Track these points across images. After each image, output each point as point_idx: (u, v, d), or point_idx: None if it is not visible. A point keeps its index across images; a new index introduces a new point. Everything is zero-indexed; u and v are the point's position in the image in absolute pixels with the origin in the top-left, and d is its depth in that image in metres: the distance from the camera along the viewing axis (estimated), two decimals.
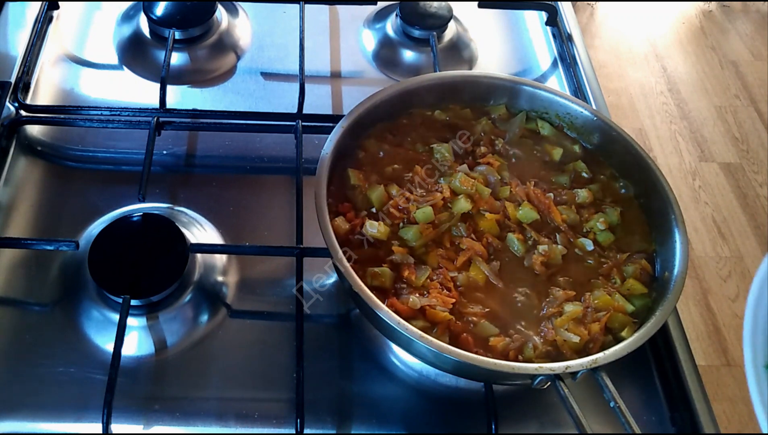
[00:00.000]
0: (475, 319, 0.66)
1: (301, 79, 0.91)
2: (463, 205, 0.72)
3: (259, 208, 0.83)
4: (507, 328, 0.66)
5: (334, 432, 0.68)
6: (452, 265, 0.69)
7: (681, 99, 2.57)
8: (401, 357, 0.72)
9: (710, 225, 2.20)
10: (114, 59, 0.98)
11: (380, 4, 1.05)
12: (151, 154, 0.82)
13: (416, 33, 1.00)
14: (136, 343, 0.71)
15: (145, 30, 0.99)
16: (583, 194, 0.76)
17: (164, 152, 0.88)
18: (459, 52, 1.03)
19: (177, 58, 0.96)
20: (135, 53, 0.98)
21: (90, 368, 0.69)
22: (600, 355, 0.60)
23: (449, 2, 1.03)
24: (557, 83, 1.01)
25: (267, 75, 0.98)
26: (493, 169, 0.76)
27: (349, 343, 0.73)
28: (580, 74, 0.99)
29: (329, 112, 0.94)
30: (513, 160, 0.79)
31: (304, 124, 0.87)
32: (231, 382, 0.70)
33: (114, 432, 0.65)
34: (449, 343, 0.61)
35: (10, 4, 0.99)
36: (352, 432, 0.68)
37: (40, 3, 1.00)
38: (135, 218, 0.76)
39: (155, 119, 0.85)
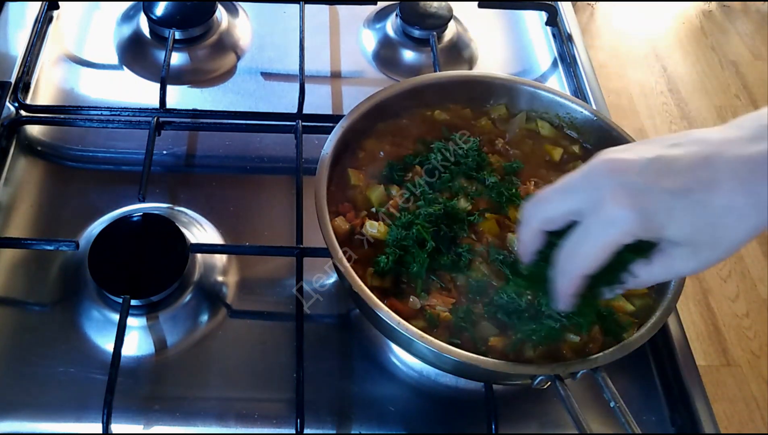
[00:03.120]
0: (475, 319, 0.66)
1: (301, 79, 0.91)
2: (463, 205, 0.72)
3: (259, 208, 0.83)
4: (507, 328, 0.66)
5: (334, 432, 0.68)
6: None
7: (681, 99, 2.57)
8: (401, 357, 0.72)
9: None
10: (114, 59, 0.98)
11: (380, 4, 1.05)
12: (151, 154, 0.82)
13: (416, 33, 1.00)
14: (136, 343, 0.71)
15: (145, 30, 0.99)
16: None
17: (164, 152, 0.88)
18: (459, 52, 1.03)
19: (177, 58, 0.97)
20: (135, 53, 0.98)
21: (90, 368, 0.69)
22: (600, 355, 0.60)
23: (449, 2, 1.03)
24: (557, 83, 1.01)
25: (267, 75, 0.98)
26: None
27: (349, 343, 0.73)
28: (580, 74, 0.99)
29: (329, 112, 0.94)
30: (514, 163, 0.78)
31: (304, 124, 0.87)
32: (231, 382, 0.70)
33: (114, 432, 0.65)
34: (449, 343, 0.61)
35: (10, 4, 0.99)
36: (352, 432, 0.68)
37: (40, 3, 1.00)
38: (135, 218, 0.76)
39: (155, 119, 0.85)
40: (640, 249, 0.50)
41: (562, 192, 0.52)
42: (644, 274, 0.52)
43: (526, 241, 0.55)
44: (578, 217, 0.50)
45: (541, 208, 0.53)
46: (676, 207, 0.46)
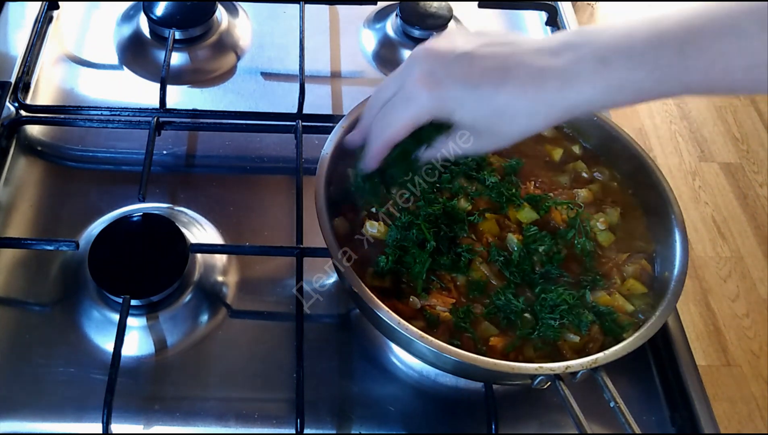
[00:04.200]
0: (475, 319, 0.66)
1: (301, 79, 0.91)
2: (463, 205, 0.72)
3: (259, 208, 0.83)
4: (507, 328, 0.66)
5: (334, 432, 0.68)
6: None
7: (681, 99, 2.57)
8: (401, 357, 0.72)
9: (710, 225, 2.20)
10: (114, 59, 0.98)
11: (380, 4, 1.05)
12: (151, 154, 0.82)
13: (416, 33, 1.00)
14: (136, 343, 0.71)
15: (145, 30, 0.99)
16: (583, 194, 0.76)
17: (164, 152, 0.88)
18: None
19: (177, 58, 0.97)
20: (135, 53, 0.98)
21: (90, 368, 0.69)
22: (600, 355, 0.60)
23: (449, 2, 1.03)
24: None
25: (267, 75, 0.98)
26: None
27: (349, 343, 0.73)
28: None
29: (329, 112, 0.94)
30: (513, 160, 0.78)
31: (304, 124, 0.87)
32: (231, 382, 0.70)
33: (114, 432, 0.65)
34: (449, 343, 0.61)
35: (10, 4, 0.99)
36: (352, 432, 0.68)
37: (40, 3, 1.00)
38: (135, 218, 0.76)
39: (155, 119, 0.85)
40: (440, 127, 0.59)
41: (390, 78, 0.59)
42: (441, 147, 0.60)
43: (363, 123, 0.64)
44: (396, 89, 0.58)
45: (376, 96, 0.61)
46: (466, 98, 0.54)
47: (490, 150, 0.58)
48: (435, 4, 1.02)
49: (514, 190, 0.74)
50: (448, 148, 0.59)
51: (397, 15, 1.02)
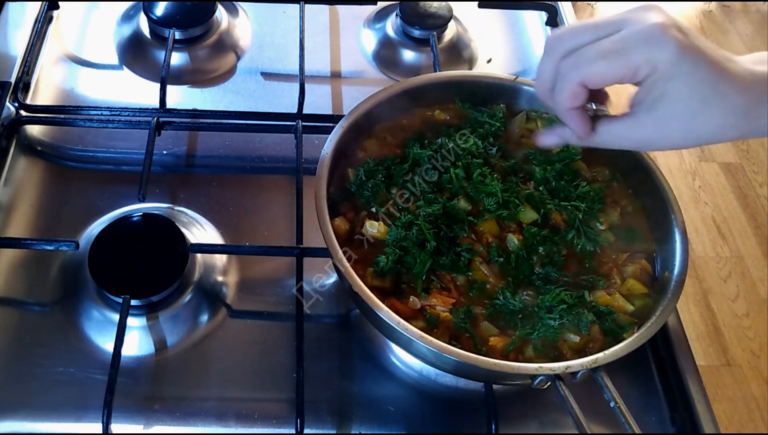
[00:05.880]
0: (475, 319, 0.66)
1: (301, 79, 0.91)
2: (463, 205, 0.72)
3: (259, 208, 0.83)
4: (507, 328, 0.66)
5: (334, 432, 0.68)
6: None
7: None
8: (401, 357, 0.72)
9: (710, 225, 2.20)
10: (114, 59, 0.98)
11: (380, 4, 1.05)
12: (151, 154, 0.82)
13: (416, 33, 1.00)
14: (136, 343, 0.71)
15: (145, 30, 0.99)
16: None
17: (164, 152, 0.88)
18: (459, 52, 1.03)
19: (177, 58, 0.97)
20: (135, 53, 0.98)
21: (90, 368, 0.69)
22: (600, 355, 0.60)
23: (449, 2, 1.03)
24: None
25: (267, 75, 0.98)
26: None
27: (349, 343, 0.73)
28: None
29: (329, 112, 0.94)
30: (513, 160, 0.78)
31: (304, 124, 0.87)
32: (231, 382, 0.70)
33: (114, 432, 0.65)
34: (449, 343, 0.61)
35: (10, 4, 0.99)
36: (352, 432, 0.68)
37: (40, 3, 1.00)
38: (135, 218, 0.76)
39: (155, 119, 0.85)
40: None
41: (591, 24, 0.52)
42: (605, 132, 0.55)
43: (545, 69, 0.54)
44: (612, 32, 0.50)
45: (567, 39, 0.53)
46: (700, 70, 0.47)
47: (666, 143, 0.51)
48: (435, 4, 1.02)
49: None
50: (613, 131, 0.54)
51: (397, 15, 1.02)
